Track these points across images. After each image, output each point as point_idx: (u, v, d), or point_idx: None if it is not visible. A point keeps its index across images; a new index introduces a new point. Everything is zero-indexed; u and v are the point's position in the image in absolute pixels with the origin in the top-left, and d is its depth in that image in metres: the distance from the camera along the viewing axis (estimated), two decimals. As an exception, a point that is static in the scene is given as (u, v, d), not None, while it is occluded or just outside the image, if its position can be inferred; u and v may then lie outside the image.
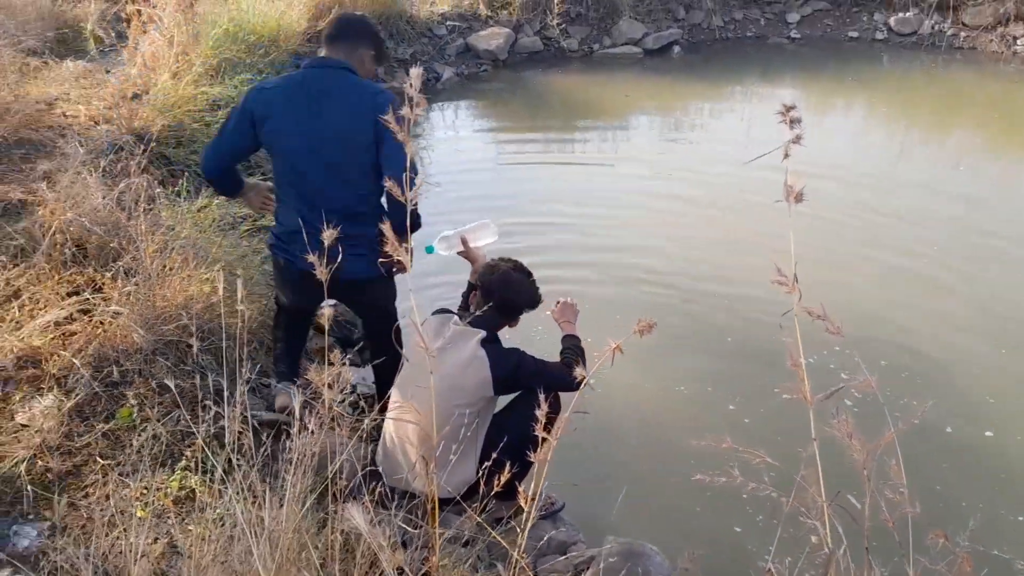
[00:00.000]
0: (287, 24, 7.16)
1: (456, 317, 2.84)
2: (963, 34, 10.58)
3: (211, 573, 1.68)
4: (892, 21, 10.91)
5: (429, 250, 3.16)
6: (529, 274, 2.91)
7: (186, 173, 4.58)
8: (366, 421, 1.97)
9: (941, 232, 5.68)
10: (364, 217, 2.73)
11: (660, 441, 3.59)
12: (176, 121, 4.81)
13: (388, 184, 1.68)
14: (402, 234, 1.72)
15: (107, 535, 1.97)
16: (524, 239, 5.26)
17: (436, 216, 3.30)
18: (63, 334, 2.85)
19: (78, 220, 3.19)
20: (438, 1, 10.14)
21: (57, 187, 3.36)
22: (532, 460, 1.61)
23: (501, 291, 2.79)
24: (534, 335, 3.98)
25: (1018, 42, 10.26)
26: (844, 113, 8.84)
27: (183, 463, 2.44)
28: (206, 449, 2.14)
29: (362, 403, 3.34)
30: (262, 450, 2.05)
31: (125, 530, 2.00)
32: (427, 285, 4.47)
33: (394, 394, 2.83)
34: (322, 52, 2.90)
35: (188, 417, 2.47)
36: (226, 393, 2.02)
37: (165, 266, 3.12)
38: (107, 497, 2.25)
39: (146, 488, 2.30)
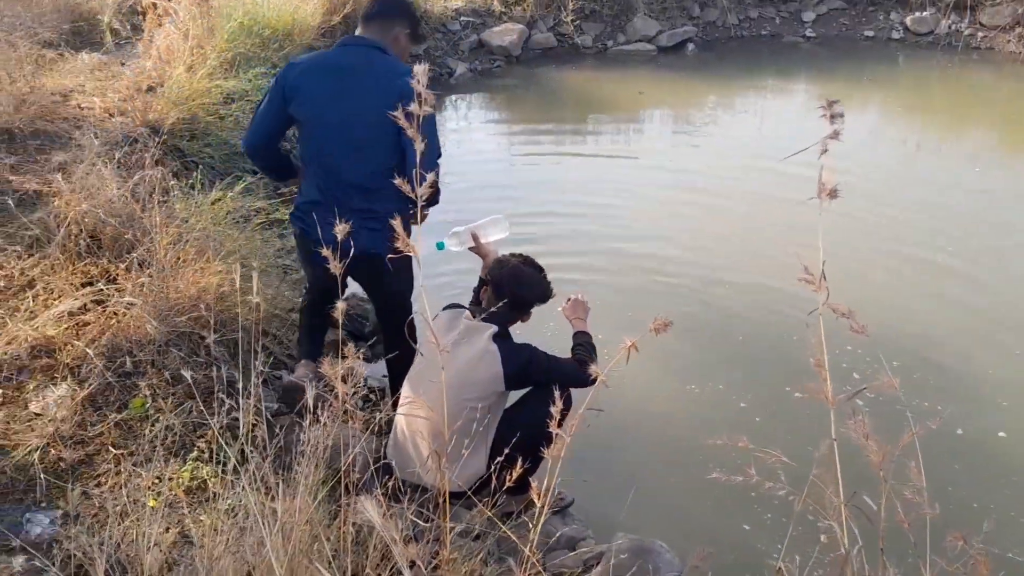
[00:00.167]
0: (301, 18, 7.18)
1: (468, 312, 2.84)
2: (980, 34, 10.49)
3: (223, 563, 1.69)
4: (908, 20, 10.83)
5: (440, 246, 3.16)
6: (540, 268, 2.91)
7: (200, 166, 4.59)
8: (379, 415, 1.97)
9: (956, 233, 5.64)
10: (382, 193, 2.74)
11: (670, 438, 3.58)
12: (190, 114, 4.83)
13: (398, 181, 1.67)
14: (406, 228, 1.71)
15: (120, 524, 1.98)
16: (536, 232, 5.27)
17: (448, 208, 3.30)
18: (77, 324, 2.86)
19: (93, 211, 3.21)
20: (452, -3, 10.15)
21: (72, 178, 3.37)
22: (544, 456, 1.61)
23: (512, 286, 2.79)
24: (546, 331, 3.97)
25: (1036, 42, 10.18)
26: (860, 113, 8.79)
27: (195, 454, 2.45)
28: (220, 440, 2.15)
29: (373, 396, 3.36)
30: (275, 442, 2.05)
31: (137, 519, 2.01)
32: (436, 273, 4.49)
33: (406, 388, 2.83)
34: (359, 31, 2.92)
35: (202, 408, 2.48)
36: (240, 385, 2.03)
37: (179, 258, 3.14)
38: (120, 486, 2.26)
39: (158, 478, 2.31)
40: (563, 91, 9.26)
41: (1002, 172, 7.17)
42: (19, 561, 1.70)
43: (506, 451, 2.11)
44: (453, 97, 8.88)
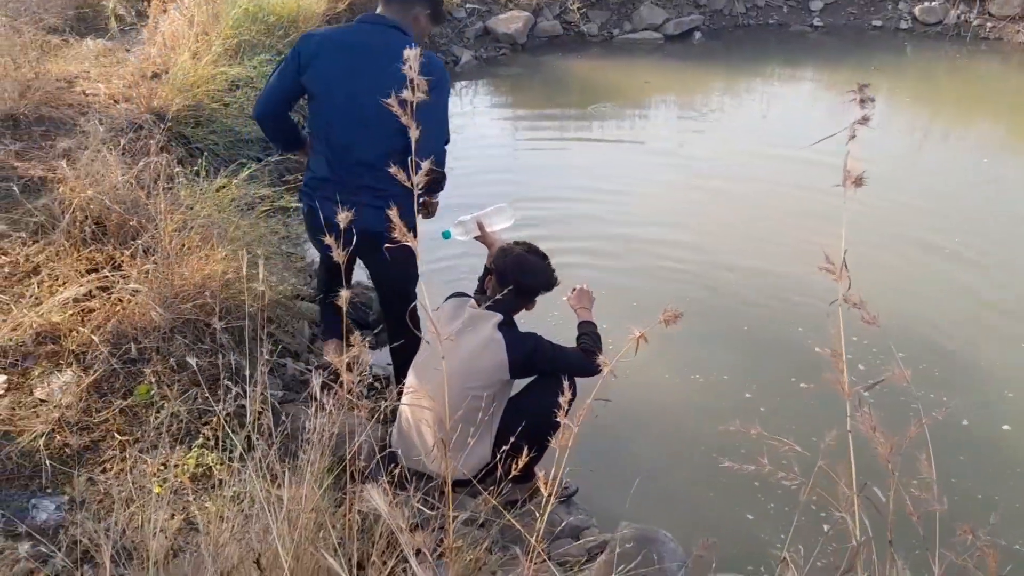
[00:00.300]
0: (306, 5, 7.15)
1: (472, 300, 2.83)
2: (989, 24, 10.42)
3: (229, 550, 1.69)
4: (917, 10, 10.76)
5: (446, 235, 3.15)
6: (544, 256, 2.90)
7: (205, 152, 4.58)
8: (384, 403, 1.96)
9: (963, 223, 5.62)
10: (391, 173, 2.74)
11: (674, 428, 3.59)
12: (195, 101, 4.82)
13: (394, 170, 1.65)
14: (409, 215, 1.70)
15: (125, 510, 1.98)
16: (541, 218, 5.27)
17: (453, 195, 3.29)
18: (82, 311, 2.86)
19: (98, 198, 3.20)
20: (457, -16, 10.10)
21: (77, 165, 3.37)
22: (550, 444, 1.60)
23: (516, 274, 2.78)
24: (550, 320, 3.97)
25: (1045, 33, 10.11)
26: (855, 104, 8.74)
27: (200, 441, 2.45)
28: (226, 427, 2.14)
29: (377, 384, 3.36)
30: (281, 429, 2.05)
31: (143, 506, 2.01)
32: (437, 258, 4.50)
33: (411, 376, 2.83)
34: (379, 9, 2.90)
35: (207, 395, 2.48)
36: (247, 372, 2.02)
37: (184, 245, 3.13)
38: (125, 473, 2.27)
39: (164, 465, 2.31)
40: (568, 79, 9.23)
41: (1011, 163, 7.14)
42: (25, 547, 1.70)
43: (512, 440, 2.10)
44: (458, 85, 8.85)
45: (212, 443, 2.42)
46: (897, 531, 1.53)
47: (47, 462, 2.28)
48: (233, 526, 1.76)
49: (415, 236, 1.54)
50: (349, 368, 1.72)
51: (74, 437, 2.39)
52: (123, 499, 2.04)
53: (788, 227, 5.45)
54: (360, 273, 3.93)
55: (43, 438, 2.35)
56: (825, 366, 1.55)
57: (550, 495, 1.43)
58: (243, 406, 2.09)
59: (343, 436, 1.90)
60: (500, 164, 6.74)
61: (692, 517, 3.11)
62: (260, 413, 1.92)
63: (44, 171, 3.58)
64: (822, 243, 1.48)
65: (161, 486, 2.19)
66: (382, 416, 2.78)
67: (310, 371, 3.28)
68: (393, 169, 1.60)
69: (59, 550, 1.87)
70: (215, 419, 2.36)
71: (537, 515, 1.62)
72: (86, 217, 3.19)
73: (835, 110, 8.36)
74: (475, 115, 8.17)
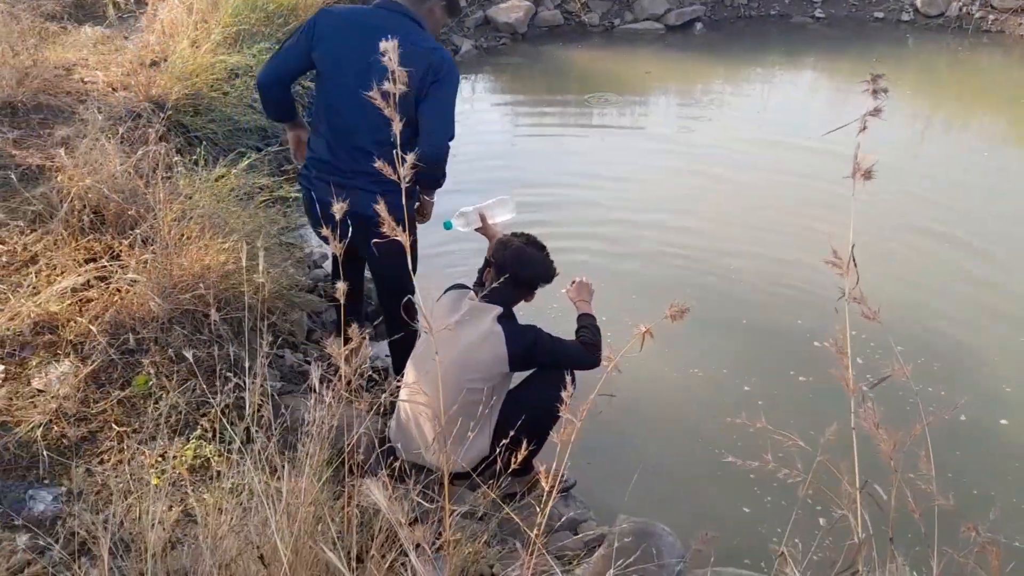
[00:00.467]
0: (306, -8, 7.09)
1: (472, 292, 2.82)
2: (991, 17, 10.38)
3: (227, 543, 1.68)
4: (919, 2, 10.71)
5: (447, 226, 3.14)
6: (542, 247, 2.88)
7: (204, 142, 4.56)
8: (384, 395, 1.95)
9: (963, 216, 5.61)
10: (389, 160, 2.72)
11: (672, 422, 3.58)
12: (194, 89, 4.79)
13: (378, 165, 1.63)
14: (398, 209, 1.68)
15: (123, 501, 1.97)
16: (540, 207, 5.27)
17: (451, 185, 3.28)
18: (80, 301, 2.85)
19: (96, 187, 3.18)
20: (458, -28, 10.03)
21: (75, 153, 3.35)
22: (551, 438, 1.60)
23: (515, 267, 2.76)
24: (549, 313, 3.96)
25: (1047, 26, 10.07)
26: (868, 94, 8.71)
27: (198, 432, 2.44)
28: (223, 419, 2.14)
29: (376, 376, 3.35)
30: (280, 421, 2.05)
31: (140, 497, 2.01)
32: (432, 243, 4.49)
33: (409, 368, 2.82)
34: None
35: (204, 387, 2.47)
36: (245, 364, 2.01)
37: (183, 235, 3.12)
38: (123, 464, 2.26)
39: (162, 456, 2.31)
40: (569, 69, 9.20)
41: (1012, 155, 7.13)
42: (23, 539, 1.69)
43: (511, 433, 2.10)
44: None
45: (210, 435, 2.41)
46: (897, 528, 1.52)
47: (44, 453, 2.27)
48: (232, 518, 1.75)
49: (407, 229, 1.52)
50: (347, 361, 1.71)
51: (72, 428, 2.38)
52: (121, 490, 2.03)
53: (788, 217, 5.45)
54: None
55: (40, 429, 2.34)
56: (824, 360, 1.54)
57: (551, 490, 1.43)
58: (242, 397, 2.09)
59: (342, 428, 1.89)
60: (500, 152, 6.73)
61: (689, 510, 3.11)
62: (260, 406, 1.91)
63: (42, 159, 3.56)
64: (823, 232, 1.48)
65: (159, 478, 2.18)
66: (381, 408, 2.78)
67: (309, 362, 3.28)
68: (379, 164, 1.58)
69: (56, 542, 1.86)
70: (213, 411, 2.36)
71: (536, 508, 1.61)
72: (84, 206, 3.17)
73: (835, 101, 8.35)
74: (476, 104, 8.16)
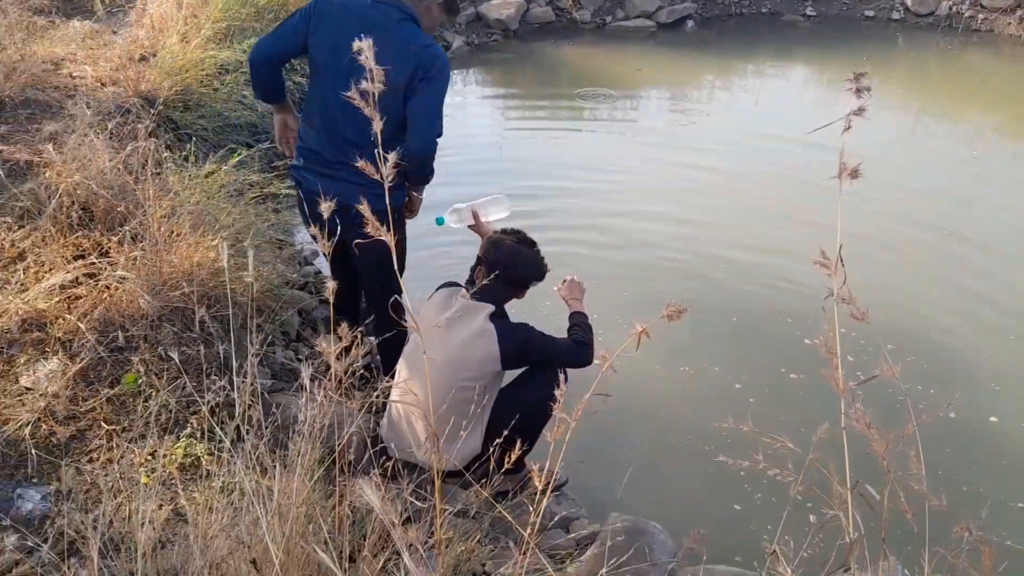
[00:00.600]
0: (297, -12, 7.06)
1: (463, 290, 2.81)
2: (981, 16, 10.42)
3: (218, 542, 1.67)
4: (909, 1, 10.73)
5: (439, 221, 3.14)
6: (533, 244, 2.87)
7: (193, 138, 4.53)
8: (375, 393, 1.95)
9: (952, 214, 5.64)
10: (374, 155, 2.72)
11: (664, 420, 3.58)
12: (184, 85, 4.76)
13: (361, 164, 1.62)
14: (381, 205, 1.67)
15: (112, 500, 1.96)
16: (531, 205, 5.25)
17: (443, 180, 3.27)
18: (68, 298, 2.83)
19: (85, 183, 3.16)
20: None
21: (64, 149, 3.32)
22: (545, 436, 1.59)
23: (507, 265, 2.76)
24: (541, 311, 3.96)
25: (1036, 25, 10.12)
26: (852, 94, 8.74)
27: (188, 430, 2.43)
28: (211, 419, 2.13)
29: (367, 375, 3.34)
30: (271, 420, 2.03)
31: (130, 496, 1.99)
32: (421, 238, 4.49)
33: (401, 366, 2.81)
34: None
35: (193, 386, 2.45)
36: (234, 363, 2.00)
37: (172, 232, 3.10)
38: (112, 462, 2.24)
39: (151, 455, 2.29)
40: (560, 66, 9.19)
41: (1000, 154, 7.16)
42: (11, 540, 1.68)
43: (505, 433, 2.09)
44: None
45: (200, 433, 2.40)
46: (888, 527, 1.53)
47: (33, 451, 2.26)
48: (223, 518, 1.74)
49: (391, 227, 1.50)
50: (338, 359, 1.71)
51: (60, 426, 2.37)
52: (110, 489, 2.02)
53: (779, 213, 5.46)
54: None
55: (29, 427, 2.32)
56: (815, 356, 1.54)
57: (544, 490, 1.42)
58: (232, 396, 2.07)
59: (333, 427, 1.88)
60: (490, 148, 6.73)
61: (680, 507, 3.12)
62: (250, 405, 1.90)
63: (30, 155, 3.53)
64: (815, 224, 1.48)
65: (149, 476, 2.17)
66: (374, 407, 2.77)
67: (300, 360, 3.26)
68: (361, 163, 1.57)
69: (45, 542, 1.84)
70: (203, 409, 2.34)
71: (528, 507, 1.61)
72: (73, 202, 3.15)
73: (826, 99, 8.37)
74: (466, 100, 8.15)
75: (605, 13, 10.39)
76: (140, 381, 2.57)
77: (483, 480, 2.18)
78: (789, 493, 1.58)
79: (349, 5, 2.80)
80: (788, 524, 2.01)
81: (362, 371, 3.13)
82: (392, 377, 2.85)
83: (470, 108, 7.94)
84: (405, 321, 1.66)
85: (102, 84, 4.54)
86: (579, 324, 2.91)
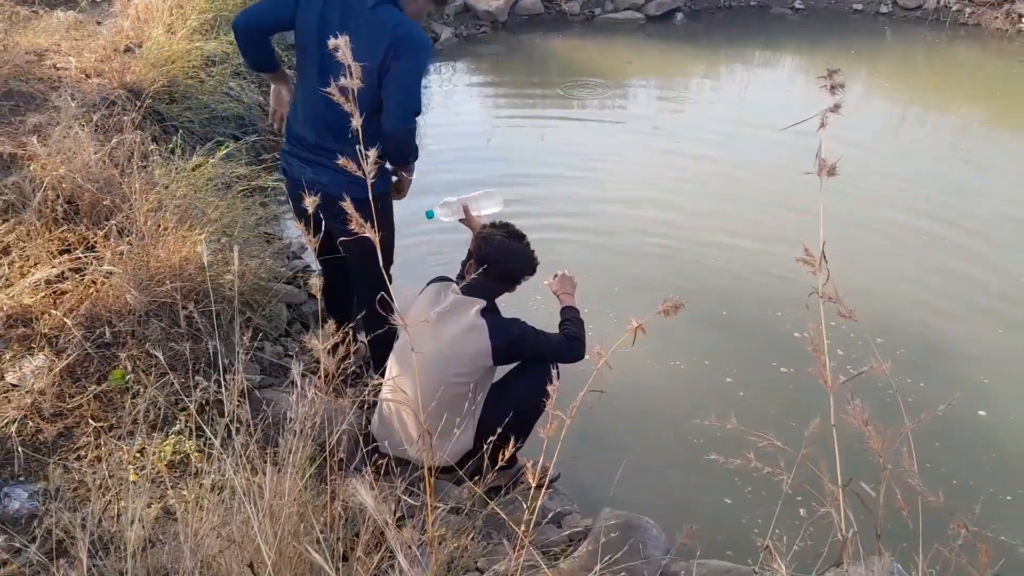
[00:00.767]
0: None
1: (455, 285, 2.79)
2: (968, 10, 10.46)
3: (208, 542, 1.65)
4: (897, -6, 10.78)
5: (429, 215, 3.11)
6: (523, 238, 2.86)
7: (180, 130, 4.48)
8: (366, 391, 1.93)
9: (939, 207, 5.66)
10: (353, 139, 2.70)
11: (654, 414, 3.58)
12: (169, 76, 4.70)
13: (342, 161, 1.60)
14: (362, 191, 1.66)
15: (100, 499, 1.94)
16: (519, 195, 5.25)
17: (429, 172, 3.25)
18: (54, 293, 2.79)
19: (70, 176, 3.11)
20: (437, -40, 9.93)
21: (48, 141, 3.27)
22: (539, 433, 1.58)
23: (499, 261, 2.74)
24: (532, 305, 3.94)
25: (1023, 20, 10.16)
26: (846, 86, 8.76)
27: (177, 427, 2.40)
28: (198, 418, 2.10)
29: (357, 370, 3.31)
30: (261, 417, 2.01)
31: (118, 494, 1.97)
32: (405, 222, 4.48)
33: (392, 362, 2.79)
34: None
35: (180, 383, 2.42)
36: (223, 361, 1.98)
37: (159, 226, 3.06)
38: (100, 460, 2.22)
39: (140, 452, 2.27)
40: (549, 58, 9.16)
41: (987, 147, 7.19)
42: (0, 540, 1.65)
43: (499, 431, 2.08)
44: (438, 62, 8.75)
45: (188, 431, 2.37)
46: (881, 523, 1.53)
47: (19, 449, 2.22)
48: (213, 516, 1.72)
49: (377, 214, 1.49)
50: (327, 355, 1.69)
51: (47, 423, 2.33)
52: (99, 487, 1.99)
53: (767, 205, 5.47)
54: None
55: (15, 424, 2.29)
56: (805, 350, 1.53)
57: (538, 486, 1.41)
58: (219, 392, 2.05)
59: (324, 423, 1.87)
60: (478, 141, 6.71)
61: (670, 501, 3.12)
62: (239, 404, 1.88)
63: (14, 147, 3.48)
64: (803, 216, 1.47)
65: (138, 474, 2.14)
66: (365, 404, 2.75)
67: (289, 355, 3.24)
68: (342, 160, 1.55)
69: (32, 541, 1.82)
70: (192, 406, 2.32)
71: (521, 503, 1.60)
72: (58, 196, 3.10)
73: (815, 91, 8.38)
74: (454, 91, 8.12)
75: (594, 5, 10.37)
76: (128, 377, 2.54)
77: (476, 477, 2.17)
78: (780, 488, 1.57)
79: None
80: (779, 518, 2.01)
81: (353, 368, 3.12)
82: (383, 374, 2.83)
83: (458, 99, 7.92)
84: (392, 317, 1.64)
85: (87, 75, 4.48)
86: (571, 319, 2.90)
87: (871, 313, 4.26)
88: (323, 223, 2.68)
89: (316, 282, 1.86)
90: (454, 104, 7.74)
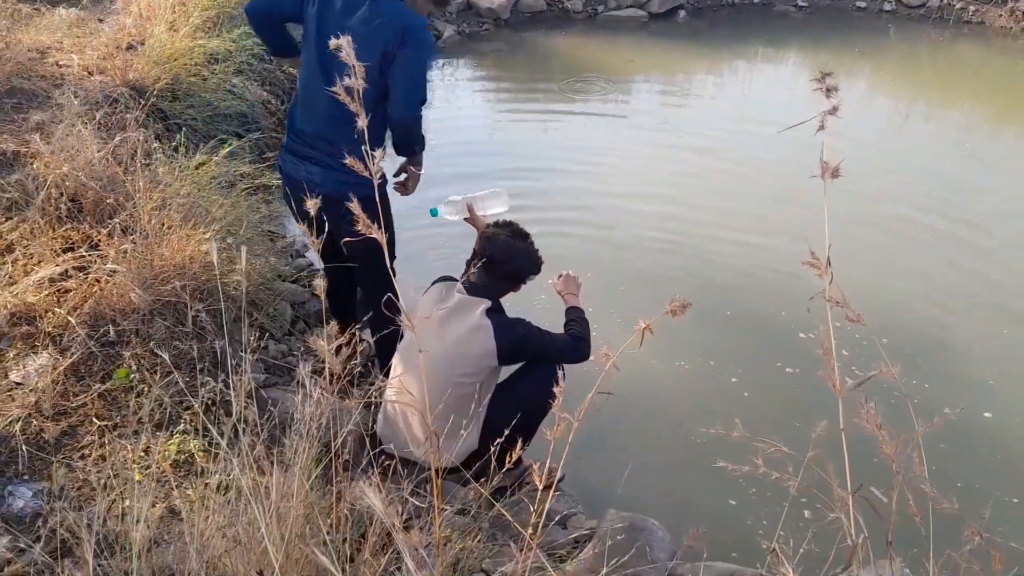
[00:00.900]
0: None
1: (460, 285, 2.78)
2: (972, 8, 10.43)
3: (214, 542, 1.64)
4: (901, -8, 10.75)
5: (433, 213, 3.10)
6: (527, 237, 2.84)
7: (183, 128, 4.47)
8: (372, 390, 1.92)
9: (944, 205, 5.64)
10: (352, 136, 2.69)
11: (660, 414, 3.57)
12: (172, 74, 4.69)
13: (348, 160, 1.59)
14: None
15: (105, 498, 1.93)
16: (523, 192, 5.23)
17: (431, 166, 3.23)
18: (58, 291, 2.78)
19: (73, 174, 3.10)
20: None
21: (51, 139, 3.26)
22: (546, 435, 1.57)
23: (503, 261, 2.73)
24: (536, 304, 3.93)
25: (1027, 17, 10.14)
26: (848, 84, 8.75)
27: (182, 426, 2.39)
28: (204, 417, 2.09)
29: (362, 370, 3.31)
30: (267, 417, 2.01)
31: (123, 493, 1.96)
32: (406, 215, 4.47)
33: (396, 361, 2.78)
34: None
35: (185, 382, 2.42)
36: (231, 362, 1.97)
37: (163, 224, 3.05)
38: (104, 459, 2.21)
39: (144, 451, 2.26)
40: (552, 56, 9.14)
41: (990, 145, 7.18)
42: (2, 542, 1.65)
43: (506, 432, 2.07)
44: (441, 59, 8.74)
45: (193, 430, 2.36)
46: (889, 527, 1.52)
47: (23, 448, 2.22)
48: (219, 517, 1.71)
49: (380, 224, 1.47)
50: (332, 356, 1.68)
51: (51, 422, 2.33)
52: (103, 487, 1.99)
53: (771, 203, 5.46)
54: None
55: (19, 423, 2.28)
56: (810, 350, 1.52)
57: (545, 489, 1.40)
58: (226, 391, 2.04)
59: (330, 424, 1.86)
60: (481, 138, 6.71)
61: (675, 503, 3.10)
62: (246, 406, 1.87)
63: (17, 145, 3.47)
64: (808, 212, 1.46)
65: (142, 473, 2.13)
66: (372, 404, 2.74)
67: (293, 354, 3.23)
68: (349, 160, 1.54)
69: (37, 540, 1.81)
70: (197, 405, 2.31)
71: (527, 504, 1.59)
72: (61, 194, 3.10)
73: (818, 93, 8.36)
74: (457, 88, 8.11)
75: (597, 2, 10.34)
76: (132, 376, 2.53)
77: (481, 478, 2.16)
78: (787, 491, 1.56)
79: None
80: (785, 520, 2.00)
81: (359, 368, 3.11)
82: (387, 374, 2.82)
83: (460, 95, 7.91)
84: (398, 317, 1.63)
85: (89, 73, 4.47)
86: (576, 319, 2.89)
87: (874, 311, 4.23)
88: (325, 224, 2.67)
89: (321, 284, 1.86)
90: (456, 99, 7.74)
